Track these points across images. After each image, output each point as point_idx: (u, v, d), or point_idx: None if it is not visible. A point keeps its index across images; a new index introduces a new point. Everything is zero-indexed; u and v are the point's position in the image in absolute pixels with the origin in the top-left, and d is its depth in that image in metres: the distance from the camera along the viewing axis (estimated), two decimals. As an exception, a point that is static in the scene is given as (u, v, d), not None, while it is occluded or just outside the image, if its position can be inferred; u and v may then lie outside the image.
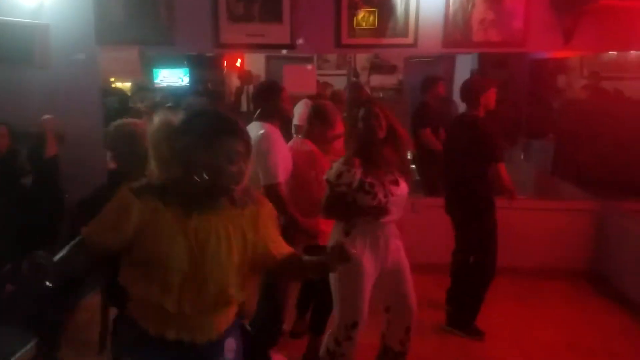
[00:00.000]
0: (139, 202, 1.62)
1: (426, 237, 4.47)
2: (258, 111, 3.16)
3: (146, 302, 1.70)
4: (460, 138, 3.59)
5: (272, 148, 2.94)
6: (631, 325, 3.81)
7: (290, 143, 3.37)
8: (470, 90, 3.55)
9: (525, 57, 5.66)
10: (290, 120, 3.34)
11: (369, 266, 2.60)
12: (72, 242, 1.68)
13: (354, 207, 2.60)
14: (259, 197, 1.83)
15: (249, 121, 2.91)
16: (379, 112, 2.64)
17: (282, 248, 1.85)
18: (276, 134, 3.05)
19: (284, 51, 4.55)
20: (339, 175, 2.58)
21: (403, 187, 2.68)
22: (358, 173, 2.56)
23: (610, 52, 5.07)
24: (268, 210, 1.83)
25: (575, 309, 4.08)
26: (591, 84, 5.48)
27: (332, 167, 2.66)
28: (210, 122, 1.66)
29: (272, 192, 2.86)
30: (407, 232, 2.84)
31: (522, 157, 6.07)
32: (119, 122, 2.79)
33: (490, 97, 3.50)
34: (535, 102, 5.90)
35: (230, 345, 1.84)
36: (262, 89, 3.28)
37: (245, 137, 1.68)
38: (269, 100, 3.12)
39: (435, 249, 4.37)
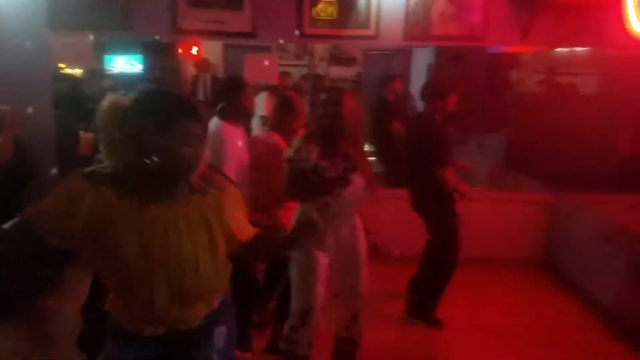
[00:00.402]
0: (91, 191, 1.53)
1: (388, 229, 4.52)
2: (220, 106, 3.13)
3: (116, 296, 1.64)
4: (413, 136, 3.68)
5: (224, 147, 2.96)
6: (581, 312, 3.96)
7: (256, 133, 3.35)
8: (432, 91, 3.57)
9: (482, 51, 5.78)
10: (251, 116, 3.30)
11: (323, 256, 2.62)
12: (12, 223, 1.58)
13: (313, 184, 2.57)
14: (221, 181, 1.76)
15: (205, 111, 2.86)
16: (342, 100, 2.62)
17: (247, 231, 1.81)
18: (232, 133, 3.05)
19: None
20: (298, 150, 2.57)
21: (357, 180, 2.66)
22: (314, 151, 2.54)
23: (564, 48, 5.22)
24: (232, 194, 1.76)
25: (529, 297, 4.21)
26: (546, 79, 5.63)
27: (290, 146, 2.64)
28: (165, 103, 1.58)
29: None
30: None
31: (476, 149, 6.20)
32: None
33: (450, 102, 3.53)
34: (491, 96, 6.03)
35: (221, 333, 1.79)
36: (226, 86, 3.25)
37: (201, 120, 1.61)
38: (232, 98, 3.10)
39: (397, 240, 4.44)
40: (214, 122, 3.04)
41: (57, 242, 1.57)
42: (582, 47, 4.82)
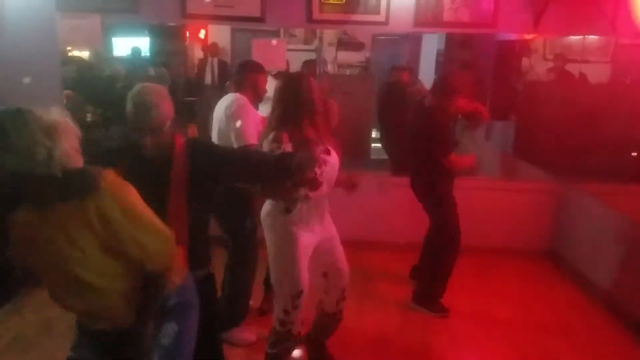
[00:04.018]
0: None
1: (394, 216, 4.53)
2: (230, 82, 3.29)
3: None
4: (415, 124, 3.71)
5: (242, 113, 3.09)
6: (586, 302, 3.96)
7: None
8: (443, 86, 3.57)
9: (491, 38, 5.71)
10: (260, 101, 3.37)
11: (305, 239, 2.63)
12: None
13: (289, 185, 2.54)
14: (102, 176, 1.55)
15: (213, 94, 2.93)
16: (299, 85, 2.61)
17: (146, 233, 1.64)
18: (246, 102, 3.17)
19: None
20: (270, 145, 2.52)
21: (334, 157, 2.66)
22: (288, 148, 2.51)
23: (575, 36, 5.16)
24: (114, 191, 1.56)
25: (534, 287, 4.21)
26: (557, 67, 5.57)
27: (262, 147, 2.61)
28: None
29: None
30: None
31: (484, 137, 6.16)
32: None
33: (456, 102, 3.54)
34: (499, 84, 5.97)
35: (170, 329, 1.81)
36: (244, 66, 3.33)
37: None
38: (249, 77, 3.23)
39: (403, 227, 4.44)
40: (229, 96, 3.22)
41: None
42: (593, 35, 4.76)
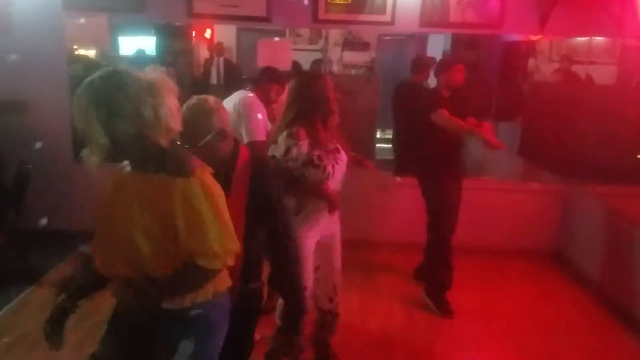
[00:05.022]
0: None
1: (398, 216, 4.54)
2: (252, 84, 3.49)
3: None
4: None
5: (251, 111, 3.27)
6: (591, 304, 3.94)
7: None
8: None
9: (497, 39, 5.71)
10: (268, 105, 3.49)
11: (311, 240, 2.65)
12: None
13: (304, 183, 2.58)
14: (198, 167, 1.59)
15: (218, 94, 2.98)
16: (313, 83, 2.63)
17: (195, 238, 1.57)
18: (256, 100, 3.36)
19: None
20: (287, 150, 2.53)
21: (344, 156, 2.70)
22: (305, 145, 2.53)
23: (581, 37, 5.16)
24: (206, 183, 1.57)
25: (539, 288, 4.20)
26: (563, 68, 5.56)
27: (277, 143, 2.60)
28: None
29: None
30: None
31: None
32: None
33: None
34: (505, 84, 5.97)
35: (186, 348, 1.66)
36: (266, 72, 3.51)
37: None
38: (264, 81, 3.42)
39: (407, 227, 4.44)
40: (239, 92, 3.42)
41: None
42: (600, 36, 4.75)
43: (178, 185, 1.52)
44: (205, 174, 1.59)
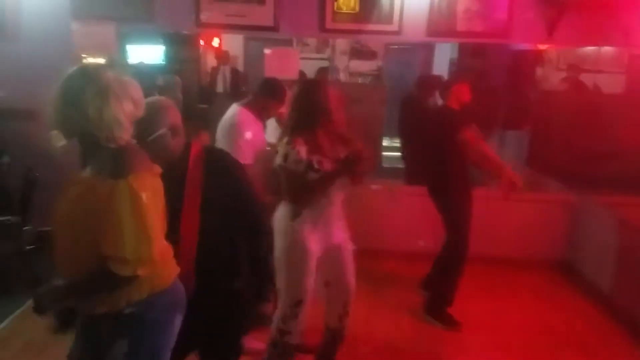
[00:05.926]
0: None
1: (406, 224, 4.52)
2: (249, 98, 3.34)
3: None
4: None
5: (238, 131, 3.15)
6: (599, 314, 3.90)
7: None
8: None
9: (504, 48, 5.69)
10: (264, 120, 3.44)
11: (314, 245, 2.60)
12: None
13: (309, 187, 2.55)
14: (130, 169, 1.57)
15: (225, 102, 2.98)
16: (315, 91, 2.62)
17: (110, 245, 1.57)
18: (247, 118, 3.22)
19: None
20: (285, 156, 2.53)
21: None
22: (302, 151, 2.51)
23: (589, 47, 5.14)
24: (121, 187, 1.53)
25: (547, 298, 4.16)
26: (570, 77, 5.54)
27: (277, 152, 2.60)
28: None
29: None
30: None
31: (497, 147, 6.12)
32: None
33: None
34: (513, 93, 5.94)
35: (120, 349, 1.69)
36: (266, 85, 3.37)
37: None
38: (265, 97, 3.29)
39: (415, 236, 4.42)
40: (232, 108, 3.28)
41: None
42: (608, 45, 4.73)
43: (106, 187, 1.54)
44: (139, 179, 1.57)
